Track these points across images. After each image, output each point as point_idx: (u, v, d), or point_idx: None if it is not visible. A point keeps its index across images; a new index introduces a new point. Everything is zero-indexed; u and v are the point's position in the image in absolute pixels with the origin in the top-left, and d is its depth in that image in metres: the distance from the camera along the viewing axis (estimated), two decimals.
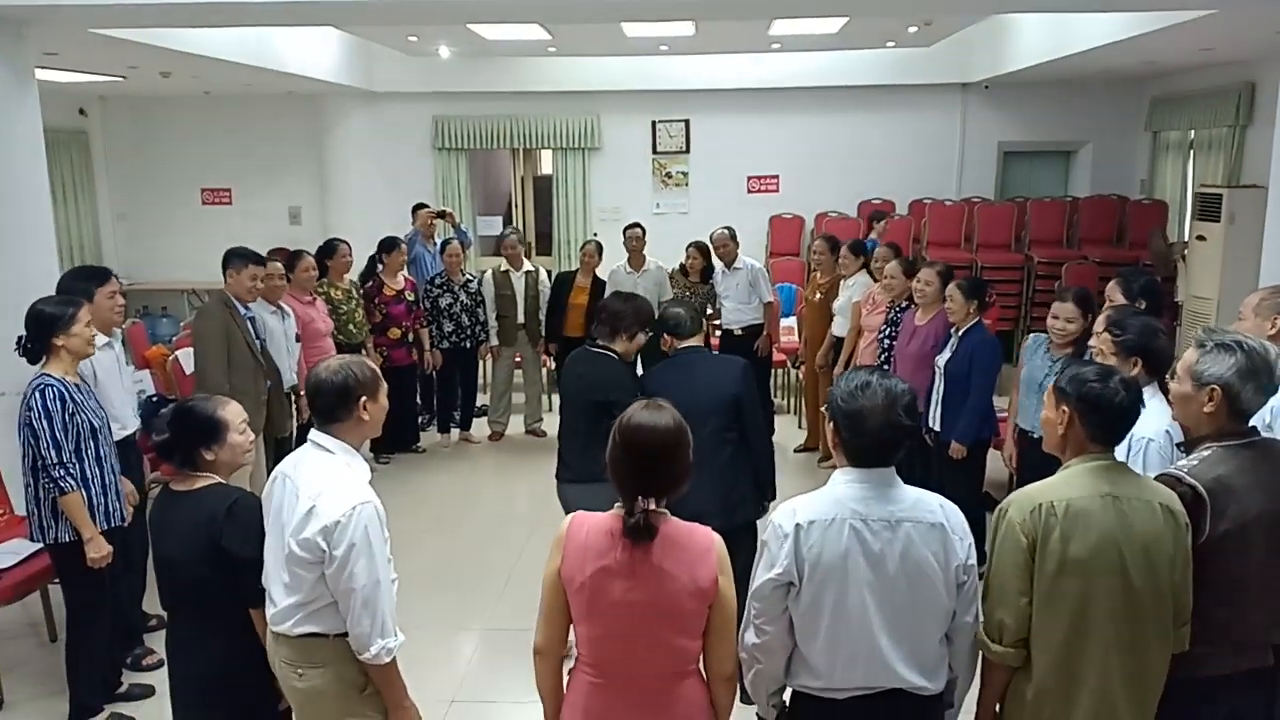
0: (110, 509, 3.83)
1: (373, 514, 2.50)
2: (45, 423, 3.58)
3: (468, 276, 7.46)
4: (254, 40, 7.58)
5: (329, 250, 6.60)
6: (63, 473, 3.61)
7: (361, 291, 6.91)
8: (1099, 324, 3.44)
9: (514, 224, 11.69)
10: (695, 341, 4.06)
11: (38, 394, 3.60)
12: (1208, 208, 7.56)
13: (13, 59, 5.31)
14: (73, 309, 3.71)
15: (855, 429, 2.24)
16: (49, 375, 3.64)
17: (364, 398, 2.61)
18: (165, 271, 11.08)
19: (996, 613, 2.34)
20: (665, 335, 4.08)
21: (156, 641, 4.35)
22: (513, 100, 10.78)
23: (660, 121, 11.01)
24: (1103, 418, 2.32)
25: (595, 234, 10.91)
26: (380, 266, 6.99)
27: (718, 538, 2.31)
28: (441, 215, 8.36)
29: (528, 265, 7.45)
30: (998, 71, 9.49)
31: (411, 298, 7.01)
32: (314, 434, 2.64)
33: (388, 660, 2.54)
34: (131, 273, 11.04)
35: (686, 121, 11.00)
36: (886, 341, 5.72)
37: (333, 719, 2.62)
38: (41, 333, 3.66)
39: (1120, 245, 9.76)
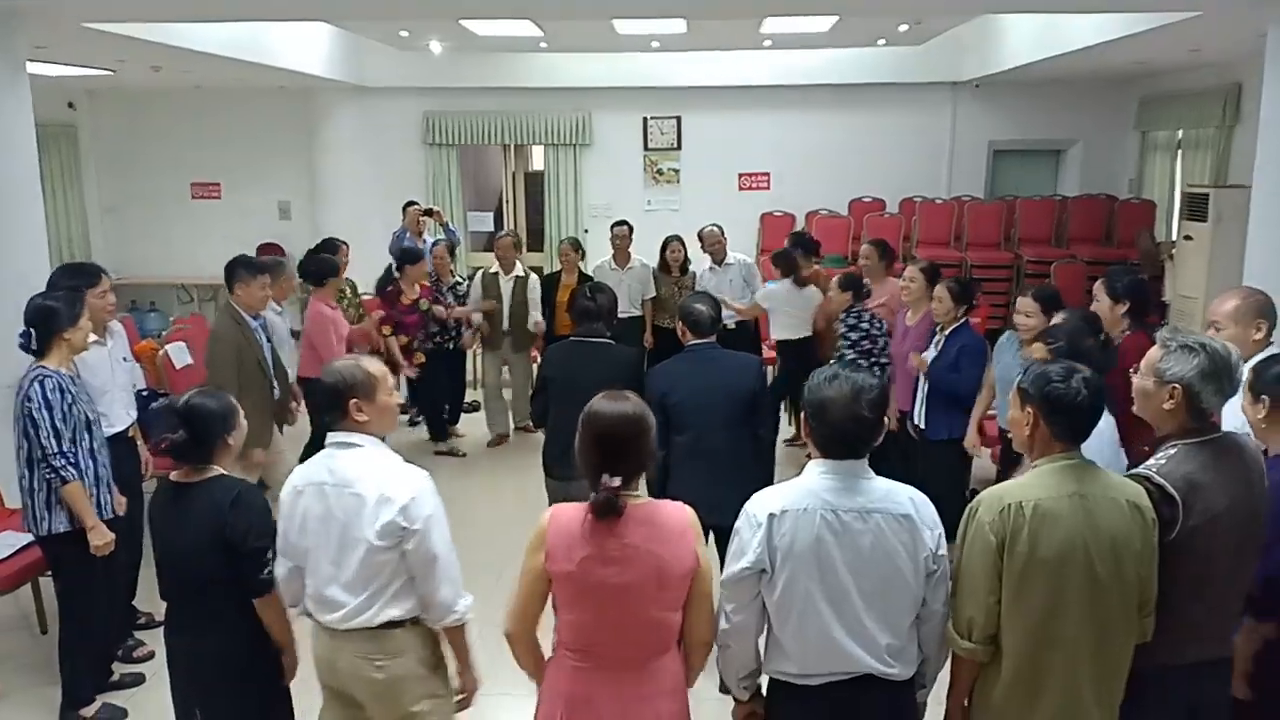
0: (102, 501, 3.84)
1: (433, 486, 2.68)
2: (45, 412, 3.60)
3: (456, 279, 7.45)
4: (244, 34, 7.55)
5: (329, 249, 6.58)
6: (63, 462, 3.63)
7: (358, 292, 6.92)
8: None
9: (505, 219, 11.71)
10: (710, 340, 4.06)
11: (37, 384, 3.61)
12: (1195, 208, 7.62)
13: (4, 52, 5.30)
14: (79, 306, 3.76)
15: (820, 419, 2.32)
16: (45, 367, 3.66)
17: (355, 399, 2.66)
18: (154, 266, 11.05)
19: (965, 610, 2.38)
20: (682, 328, 4.12)
21: (149, 638, 4.38)
22: (504, 96, 10.78)
23: (652, 118, 11.02)
24: (1065, 418, 2.36)
25: (586, 230, 10.96)
26: (399, 275, 6.91)
27: (690, 512, 2.39)
28: (429, 213, 8.37)
29: (519, 270, 7.28)
30: (988, 71, 9.54)
31: (425, 307, 6.95)
32: (333, 435, 2.71)
33: (469, 618, 2.74)
34: (120, 267, 10.98)
35: (678, 118, 11.02)
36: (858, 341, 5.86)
37: (413, 701, 2.72)
38: (48, 327, 3.68)
39: (1109, 244, 9.83)
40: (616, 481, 2.29)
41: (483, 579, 5.15)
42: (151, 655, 4.21)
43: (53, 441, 3.62)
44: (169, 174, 11.07)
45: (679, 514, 2.38)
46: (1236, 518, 2.42)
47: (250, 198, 11.13)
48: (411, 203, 8.43)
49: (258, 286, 5.00)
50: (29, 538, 4.33)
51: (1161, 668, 2.45)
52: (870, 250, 6.51)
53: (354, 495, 2.61)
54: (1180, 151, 9.60)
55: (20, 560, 4.28)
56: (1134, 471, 2.49)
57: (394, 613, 2.65)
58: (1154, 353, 2.51)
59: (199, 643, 2.83)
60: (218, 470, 2.85)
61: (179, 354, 6.41)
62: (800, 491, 2.33)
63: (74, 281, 4.11)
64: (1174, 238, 8.40)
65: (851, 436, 2.31)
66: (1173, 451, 2.46)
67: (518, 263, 7.31)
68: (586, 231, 11.01)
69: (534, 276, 7.37)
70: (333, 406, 2.69)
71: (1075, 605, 2.29)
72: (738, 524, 2.37)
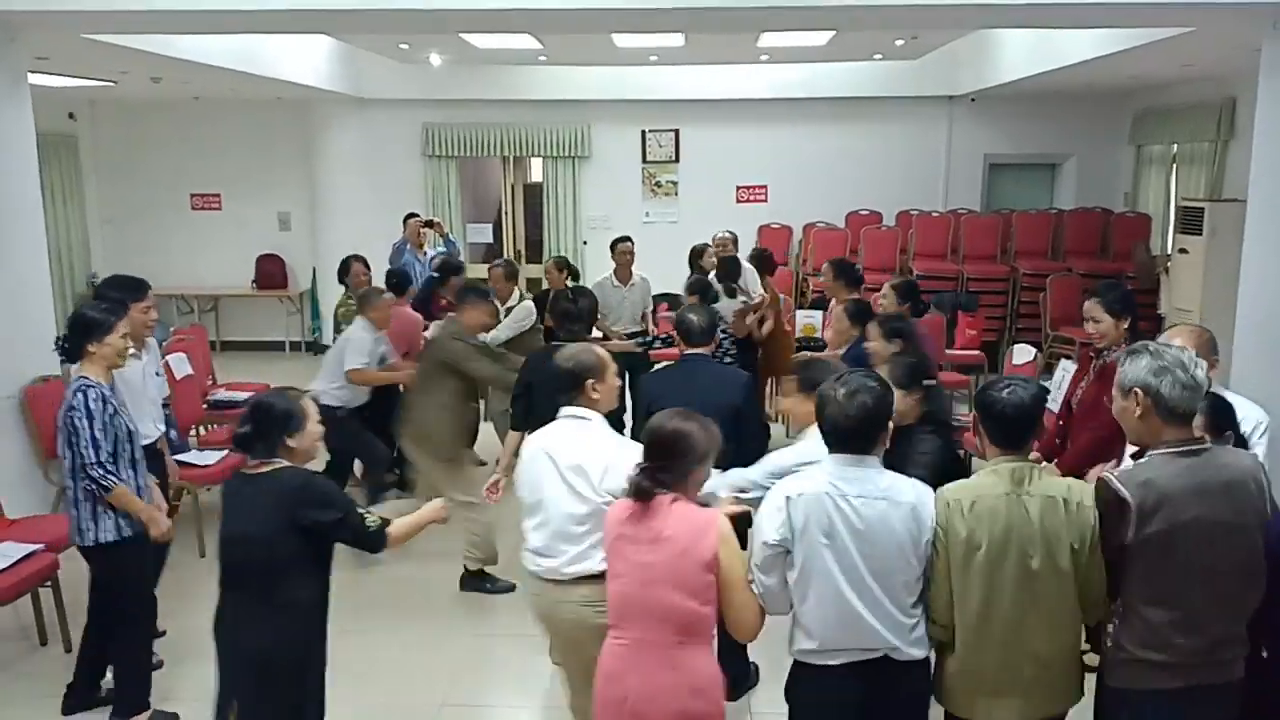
0: (125, 519, 3.82)
1: None
2: (86, 422, 3.62)
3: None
4: (245, 46, 7.59)
5: (345, 269, 6.59)
6: (101, 471, 3.65)
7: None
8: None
9: (504, 231, 11.74)
10: (703, 351, 4.12)
11: (80, 394, 3.64)
12: (1190, 221, 7.66)
13: (5, 63, 5.34)
14: (113, 319, 3.79)
15: (821, 414, 2.63)
16: (88, 378, 3.69)
17: (591, 379, 3.17)
18: (154, 276, 10.73)
19: (930, 595, 2.61)
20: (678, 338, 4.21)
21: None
22: (503, 108, 10.83)
23: (650, 131, 11.08)
24: (992, 423, 2.60)
25: (585, 242, 11.00)
26: (439, 286, 6.89)
27: (721, 517, 2.67)
28: (430, 225, 8.39)
29: (514, 299, 6.90)
30: (983, 85, 9.60)
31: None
32: (566, 409, 3.20)
33: None
34: None
35: (676, 131, 11.08)
36: None
37: None
38: (78, 336, 3.73)
39: (1104, 257, 9.87)
40: (645, 470, 2.68)
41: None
42: (161, 665, 4.22)
43: (91, 451, 3.63)
44: (169, 185, 11.09)
45: (706, 514, 2.67)
46: (1208, 532, 2.40)
47: (250, 209, 11.16)
48: (412, 215, 8.46)
49: (484, 312, 5.30)
50: (29, 548, 4.36)
51: (1148, 690, 2.47)
52: (828, 269, 6.29)
53: (587, 459, 3.06)
54: (1175, 165, 9.65)
55: (20, 571, 4.26)
56: (1099, 475, 2.57)
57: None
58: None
59: (240, 635, 2.94)
60: (285, 463, 2.97)
61: (179, 365, 6.43)
62: (815, 479, 2.60)
63: (120, 294, 4.19)
64: (1169, 251, 8.44)
65: (851, 433, 2.58)
66: (1144, 460, 2.49)
67: (515, 291, 7.03)
68: (585, 243, 11.06)
69: (526, 304, 6.90)
70: (572, 387, 3.16)
71: (1010, 593, 2.50)
72: (761, 509, 2.66)
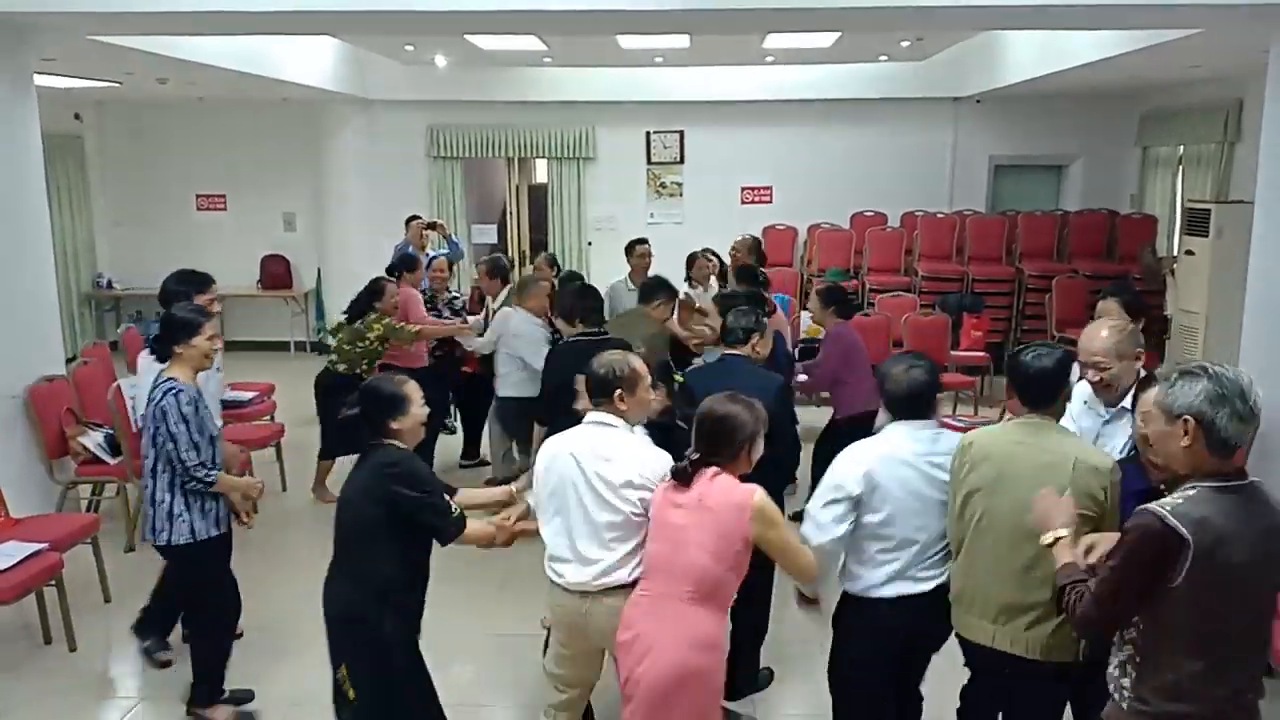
0: (220, 515, 3.86)
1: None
2: (182, 426, 3.64)
3: (453, 294, 7.41)
4: (250, 48, 7.61)
5: (378, 292, 6.37)
6: (205, 471, 3.71)
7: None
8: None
9: (508, 232, 11.74)
10: (741, 351, 4.18)
11: (172, 397, 3.65)
12: (1196, 223, 7.63)
13: (12, 64, 5.35)
14: (202, 319, 3.81)
15: (881, 386, 3.11)
16: (175, 380, 3.71)
17: (620, 390, 3.14)
18: (159, 277, 10.86)
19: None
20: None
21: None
22: (508, 110, 10.84)
23: (655, 132, 11.08)
24: (1019, 384, 2.93)
25: (590, 243, 11.01)
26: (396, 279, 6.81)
27: (760, 495, 2.86)
28: (432, 226, 8.39)
29: (499, 300, 6.75)
30: (989, 86, 9.58)
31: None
32: (593, 414, 3.17)
33: None
34: (125, 278, 11.04)
35: (681, 133, 11.08)
36: None
37: None
38: (168, 337, 3.77)
39: (1110, 259, 9.83)
40: (695, 455, 2.91)
41: (486, 586, 5.20)
42: (240, 635, 4.32)
43: (193, 454, 3.67)
44: (174, 185, 11.12)
45: (745, 493, 2.87)
46: (1256, 577, 2.23)
47: (255, 209, 11.19)
48: (415, 217, 8.46)
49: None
50: (33, 547, 4.37)
51: None
52: (814, 300, 6.34)
53: (614, 469, 3.03)
54: (1181, 167, 9.62)
55: (25, 570, 4.27)
56: (1145, 507, 2.26)
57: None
58: (1155, 391, 2.33)
59: (326, 595, 3.18)
60: (390, 442, 3.17)
61: None
62: (886, 441, 3.06)
63: (184, 287, 4.27)
64: (1175, 253, 8.42)
65: (902, 401, 3.06)
66: (1192, 493, 2.23)
67: (503, 291, 6.83)
68: (590, 244, 11.06)
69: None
70: (601, 393, 3.14)
71: (998, 524, 2.83)
72: (838, 466, 3.06)
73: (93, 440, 5.63)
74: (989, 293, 9.60)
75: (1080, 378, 3.34)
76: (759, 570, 3.03)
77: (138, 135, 11.01)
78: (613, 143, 11.06)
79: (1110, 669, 2.40)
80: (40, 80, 5.96)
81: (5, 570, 4.23)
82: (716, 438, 2.91)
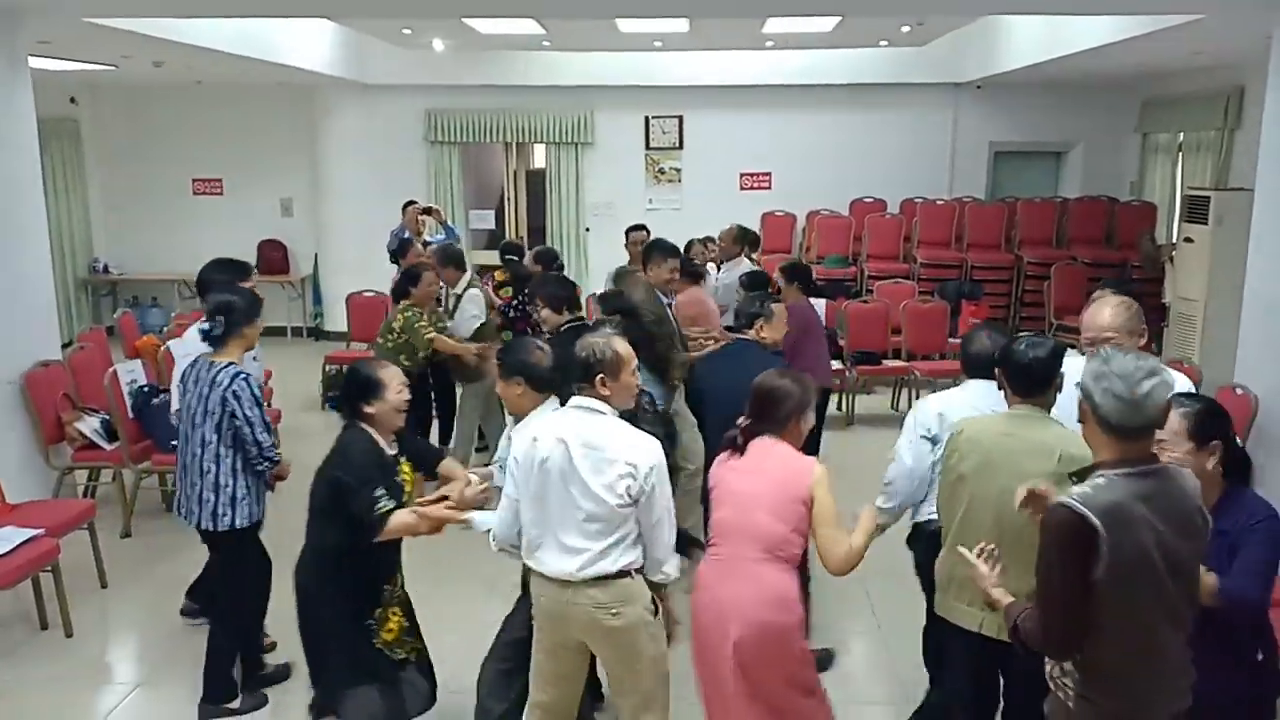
0: (255, 505, 3.87)
1: (663, 455, 3.06)
2: (256, 410, 3.71)
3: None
4: (247, 30, 7.56)
5: (415, 278, 6.19)
6: (275, 452, 3.80)
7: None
8: None
9: (506, 218, 11.71)
10: (749, 335, 4.45)
11: (242, 382, 3.68)
12: (1196, 210, 7.61)
13: (6, 47, 5.31)
14: (259, 304, 3.94)
15: (962, 353, 3.48)
16: (235, 363, 3.74)
17: (601, 374, 3.01)
18: (156, 261, 11.04)
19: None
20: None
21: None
22: (506, 94, 10.78)
23: (654, 117, 11.03)
24: (1011, 374, 2.97)
25: (588, 229, 10.99)
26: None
27: (820, 468, 3.05)
28: (428, 212, 8.35)
29: (460, 287, 6.52)
30: (990, 72, 9.54)
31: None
32: (577, 399, 3.05)
33: (674, 577, 3.10)
34: (121, 263, 11.02)
35: (680, 117, 11.03)
36: None
37: (645, 644, 3.06)
38: (234, 320, 3.77)
39: (1109, 246, 9.83)
40: (745, 424, 3.13)
41: (475, 589, 5.18)
42: (274, 646, 4.25)
43: (266, 435, 3.74)
44: (171, 169, 11.06)
45: (805, 463, 3.07)
46: (1175, 558, 2.17)
47: (252, 194, 11.14)
48: (411, 202, 8.42)
49: (668, 269, 5.35)
50: (30, 533, 4.36)
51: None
52: (779, 275, 6.31)
53: (602, 458, 2.93)
54: (1181, 154, 9.60)
55: (21, 556, 4.26)
56: (1057, 498, 2.25)
57: (628, 559, 2.98)
58: None
59: (302, 568, 3.28)
60: (358, 425, 3.24)
61: (180, 348, 6.39)
62: (958, 395, 3.44)
63: (225, 275, 4.29)
64: (1174, 240, 8.41)
65: (970, 365, 3.39)
66: (1100, 480, 2.18)
67: (463, 278, 6.54)
68: (588, 230, 11.03)
69: (474, 291, 6.50)
70: (582, 377, 3.04)
71: (980, 508, 2.90)
72: (914, 411, 3.50)
73: (89, 426, 5.62)
74: (988, 280, 9.60)
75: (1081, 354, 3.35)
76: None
77: (134, 119, 10.95)
78: (611, 128, 11.01)
79: (1047, 665, 2.35)
80: (35, 63, 5.92)
81: (1, 556, 4.22)
82: (764, 408, 3.12)
